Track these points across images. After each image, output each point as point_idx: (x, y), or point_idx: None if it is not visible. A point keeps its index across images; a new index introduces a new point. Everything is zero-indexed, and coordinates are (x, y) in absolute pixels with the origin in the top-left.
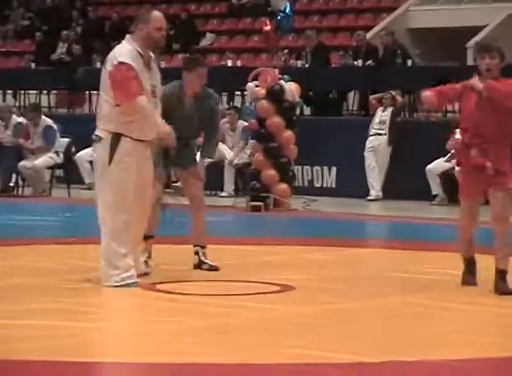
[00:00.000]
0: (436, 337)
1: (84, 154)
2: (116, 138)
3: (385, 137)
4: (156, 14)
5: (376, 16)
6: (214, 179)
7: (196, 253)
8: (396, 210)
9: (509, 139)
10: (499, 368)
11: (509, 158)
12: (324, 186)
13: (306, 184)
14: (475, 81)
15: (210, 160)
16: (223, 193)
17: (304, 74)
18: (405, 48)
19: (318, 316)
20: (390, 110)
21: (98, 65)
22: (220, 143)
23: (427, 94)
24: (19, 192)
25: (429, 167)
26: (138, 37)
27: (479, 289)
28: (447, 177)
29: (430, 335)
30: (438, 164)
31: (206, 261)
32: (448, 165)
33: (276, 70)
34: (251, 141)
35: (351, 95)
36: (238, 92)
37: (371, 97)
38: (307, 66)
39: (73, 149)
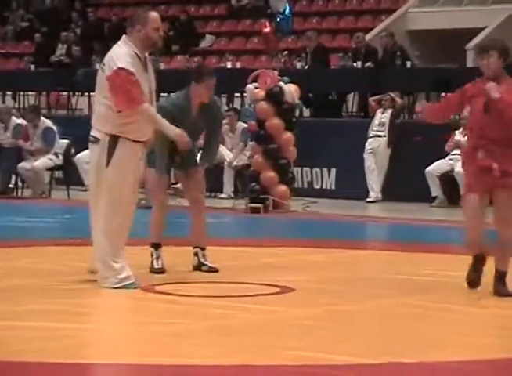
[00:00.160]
0: (435, 338)
1: (83, 156)
2: (113, 140)
3: (385, 139)
4: (154, 14)
5: (376, 18)
6: (213, 181)
7: (196, 254)
8: (395, 212)
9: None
10: (499, 370)
11: None
12: (323, 187)
13: (305, 186)
14: (492, 88)
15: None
16: (222, 195)
17: (303, 75)
18: (405, 49)
19: (317, 318)
20: (389, 111)
21: (97, 66)
22: (219, 145)
23: (429, 106)
24: (19, 193)
25: (428, 169)
26: (137, 38)
27: (479, 291)
28: (446, 179)
29: (429, 337)
30: (438, 166)
31: (205, 262)
32: (447, 167)
33: (276, 72)
34: (251, 143)
35: (350, 96)
36: (237, 94)
37: (370, 99)
38: (306, 67)
39: (73, 150)
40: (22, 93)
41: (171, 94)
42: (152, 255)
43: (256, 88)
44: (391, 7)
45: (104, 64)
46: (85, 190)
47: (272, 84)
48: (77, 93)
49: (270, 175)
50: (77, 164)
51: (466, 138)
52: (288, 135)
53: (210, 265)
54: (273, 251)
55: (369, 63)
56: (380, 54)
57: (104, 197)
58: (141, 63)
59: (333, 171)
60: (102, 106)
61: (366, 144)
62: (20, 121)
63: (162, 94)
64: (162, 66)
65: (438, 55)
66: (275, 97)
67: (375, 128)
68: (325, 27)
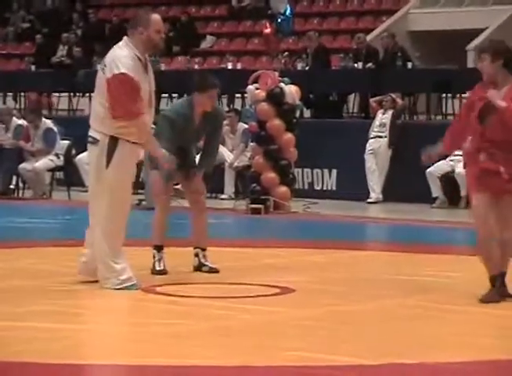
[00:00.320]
0: (436, 339)
1: (84, 157)
2: (113, 141)
3: (385, 140)
4: (156, 17)
5: (377, 19)
6: (214, 182)
7: (197, 255)
8: (396, 212)
9: None
10: (500, 370)
11: None
12: (324, 188)
13: (306, 187)
14: (494, 96)
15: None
16: (223, 196)
17: (304, 76)
18: (405, 50)
19: (318, 319)
20: (390, 112)
21: (98, 68)
22: (220, 146)
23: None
24: (20, 194)
25: (429, 169)
26: (139, 40)
27: (479, 291)
28: (447, 179)
29: (430, 337)
30: (439, 167)
31: (206, 263)
32: (448, 168)
33: (276, 73)
34: (251, 143)
35: (351, 97)
36: (238, 95)
37: (371, 100)
38: (307, 68)
39: (74, 151)
40: (23, 94)
41: (174, 101)
42: (154, 257)
43: (257, 89)
44: (391, 8)
45: (106, 66)
46: (86, 191)
47: (272, 85)
48: (78, 94)
49: (271, 176)
50: (77, 164)
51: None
52: (289, 136)
53: (210, 265)
54: (274, 252)
55: (369, 64)
56: (382, 54)
57: (105, 199)
58: (141, 64)
59: (334, 172)
60: (100, 106)
61: (367, 145)
62: (21, 121)
63: (163, 95)
64: (163, 67)
65: (438, 56)
66: (275, 98)
67: (376, 129)
68: (326, 28)
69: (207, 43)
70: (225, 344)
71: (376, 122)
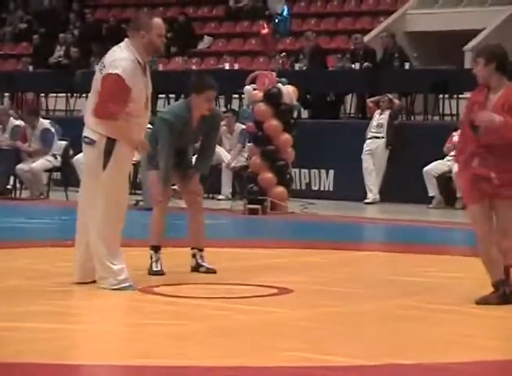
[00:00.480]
0: (434, 339)
1: (81, 157)
2: (110, 143)
3: (383, 140)
4: (158, 21)
5: (374, 19)
6: (211, 182)
7: (194, 256)
8: (393, 213)
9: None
10: (499, 371)
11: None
12: (321, 189)
13: (303, 187)
14: (484, 119)
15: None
16: (220, 196)
17: (301, 76)
18: (403, 51)
19: (315, 319)
20: (387, 113)
21: (95, 68)
22: (217, 146)
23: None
24: (17, 195)
25: (426, 168)
26: (140, 44)
27: (477, 292)
28: (444, 180)
29: (428, 338)
30: (436, 166)
31: (203, 264)
32: (445, 168)
33: (274, 73)
34: (249, 144)
35: (348, 98)
36: (235, 95)
37: (368, 100)
38: (304, 69)
39: (71, 152)
40: (20, 94)
41: (171, 101)
42: (151, 258)
43: (254, 89)
44: (389, 8)
45: (104, 66)
46: None
47: (270, 86)
48: (75, 95)
49: (268, 176)
50: (75, 165)
51: None
52: (286, 136)
53: (208, 266)
54: (271, 253)
55: (367, 64)
56: (380, 55)
57: (101, 202)
58: (140, 68)
59: (331, 172)
60: None
61: (364, 145)
62: (18, 122)
63: (160, 95)
64: (160, 67)
65: (436, 56)
66: (273, 98)
67: (373, 130)
68: (323, 29)
69: (204, 44)
70: (221, 344)
71: (374, 123)
